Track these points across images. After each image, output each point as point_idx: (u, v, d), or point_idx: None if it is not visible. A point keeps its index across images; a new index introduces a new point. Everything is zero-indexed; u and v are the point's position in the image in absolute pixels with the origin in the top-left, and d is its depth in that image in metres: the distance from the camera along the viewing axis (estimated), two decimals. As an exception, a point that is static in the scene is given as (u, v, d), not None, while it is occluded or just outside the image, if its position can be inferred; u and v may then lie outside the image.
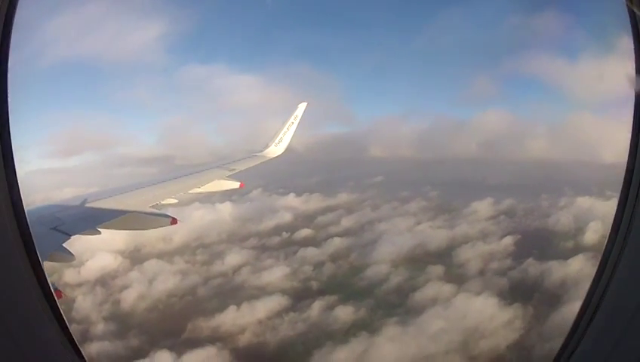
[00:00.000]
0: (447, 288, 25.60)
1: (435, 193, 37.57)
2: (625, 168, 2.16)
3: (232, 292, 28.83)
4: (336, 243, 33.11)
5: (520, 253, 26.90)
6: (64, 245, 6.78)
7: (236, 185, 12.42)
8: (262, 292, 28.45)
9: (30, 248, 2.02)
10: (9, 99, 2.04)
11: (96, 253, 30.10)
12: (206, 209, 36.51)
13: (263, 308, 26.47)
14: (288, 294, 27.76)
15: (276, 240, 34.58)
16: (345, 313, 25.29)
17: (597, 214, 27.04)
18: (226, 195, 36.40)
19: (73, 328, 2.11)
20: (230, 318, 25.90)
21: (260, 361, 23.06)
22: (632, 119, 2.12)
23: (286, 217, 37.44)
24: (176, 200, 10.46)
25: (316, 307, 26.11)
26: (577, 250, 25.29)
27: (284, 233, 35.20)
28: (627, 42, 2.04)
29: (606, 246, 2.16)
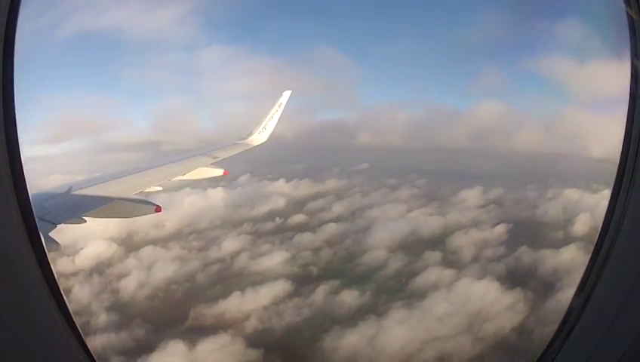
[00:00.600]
0: (446, 273, 27.15)
1: (422, 181, 38.91)
2: (617, 162, 2.25)
3: (232, 278, 28.89)
4: (331, 229, 33.64)
5: (513, 240, 28.78)
6: (50, 234, 7.05)
7: (220, 172, 12.82)
8: (263, 277, 28.67)
9: (36, 239, 2.01)
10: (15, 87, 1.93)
11: (89, 240, 29.05)
12: (197, 195, 35.94)
13: (267, 293, 26.82)
14: (291, 279, 28.22)
15: (270, 225, 34.66)
16: (350, 297, 26.17)
17: (584, 206, 29.44)
18: (216, 181, 35.85)
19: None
20: (235, 304, 26.09)
21: (269, 346, 23.49)
22: (625, 117, 2.25)
23: (278, 203, 37.53)
24: (160, 188, 10.77)
25: (320, 292, 26.81)
26: (568, 240, 27.53)
27: (278, 218, 35.33)
28: (624, 44, 2.23)
29: (596, 241, 2.25)
